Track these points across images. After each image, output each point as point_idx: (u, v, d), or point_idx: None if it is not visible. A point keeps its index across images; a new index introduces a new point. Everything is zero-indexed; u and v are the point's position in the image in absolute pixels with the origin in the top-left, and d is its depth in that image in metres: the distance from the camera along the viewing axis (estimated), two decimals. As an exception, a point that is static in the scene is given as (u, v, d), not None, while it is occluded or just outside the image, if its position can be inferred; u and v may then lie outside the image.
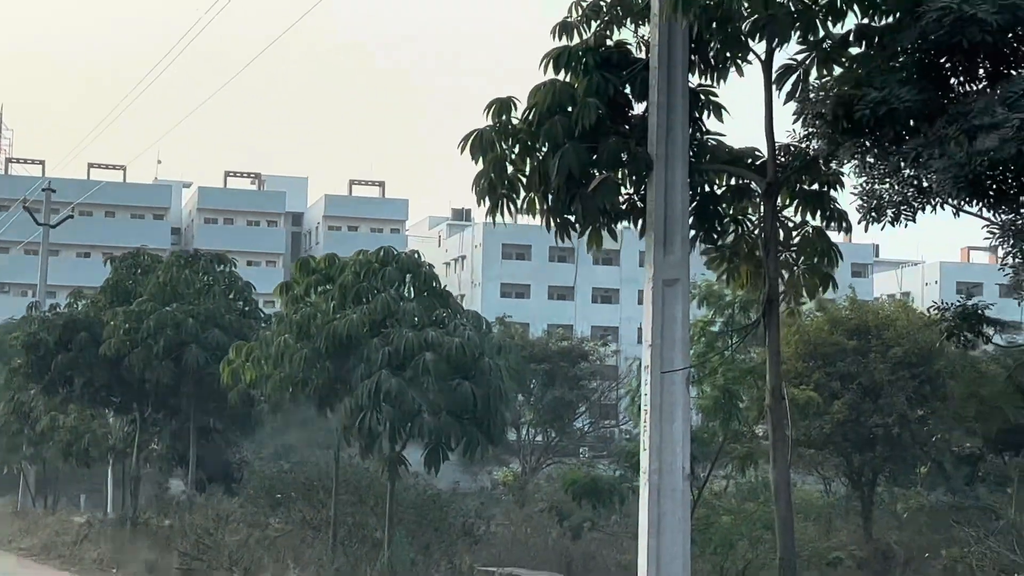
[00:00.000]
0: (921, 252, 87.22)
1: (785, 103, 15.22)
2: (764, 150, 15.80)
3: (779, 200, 16.12)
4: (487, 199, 15.49)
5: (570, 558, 28.74)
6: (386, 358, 21.26)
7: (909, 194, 14.06)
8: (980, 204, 13.53)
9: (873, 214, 14.32)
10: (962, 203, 13.56)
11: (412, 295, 23.11)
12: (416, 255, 23.76)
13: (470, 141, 15.36)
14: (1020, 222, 13.37)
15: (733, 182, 16.27)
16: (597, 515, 22.51)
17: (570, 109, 15.14)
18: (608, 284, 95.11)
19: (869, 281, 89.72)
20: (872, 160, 14.28)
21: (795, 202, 16.34)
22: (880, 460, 41.99)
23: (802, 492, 44.03)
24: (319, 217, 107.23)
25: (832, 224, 16.17)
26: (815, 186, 16.19)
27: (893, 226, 14.33)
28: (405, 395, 21.03)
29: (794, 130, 15.71)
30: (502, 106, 15.46)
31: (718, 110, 15.85)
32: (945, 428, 40.80)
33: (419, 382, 21.17)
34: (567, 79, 15.42)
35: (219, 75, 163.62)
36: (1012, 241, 13.30)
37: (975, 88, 13.84)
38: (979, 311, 14.68)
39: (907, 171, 13.91)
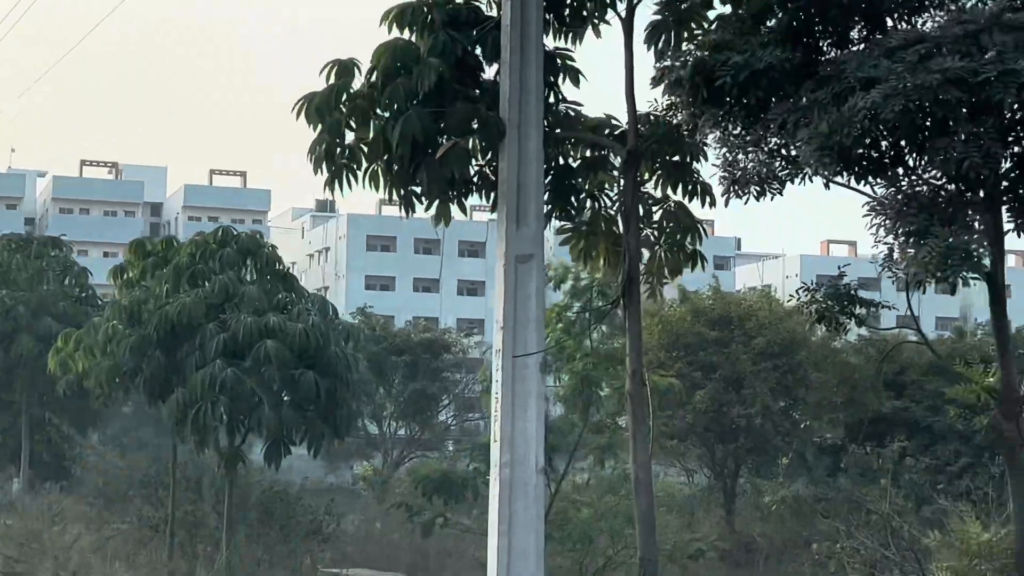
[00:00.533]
0: (782, 246, 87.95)
1: (657, 64, 14.18)
2: (625, 120, 14.73)
3: (640, 173, 15.08)
4: (324, 168, 14.17)
5: (427, 556, 27.60)
6: (222, 346, 19.77)
7: (775, 166, 13.09)
8: (851, 175, 12.62)
9: (736, 187, 13.33)
10: (832, 174, 12.63)
11: (254, 278, 21.61)
12: (258, 236, 22.27)
13: (305, 105, 14.02)
14: (900, 194, 12.44)
15: (590, 154, 15.17)
16: (450, 510, 21.35)
17: (414, 71, 13.87)
18: (474, 276, 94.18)
19: (731, 274, 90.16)
20: (736, 130, 13.25)
21: (657, 176, 15.31)
22: (743, 451, 41.71)
23: (665, 484, 43.55)
24: (178, 207, 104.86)
25: (696, 198, 15.17)
26: (677, 158, 15.18)
27: (758, 200, 13.38)
28: (243, 386, 19.59)
29: (655, 99, 14.72)
30: (341, 68, 14.16)
31: (575, 75, 14.74)
32: (808, 418, 40.62)
33: (259, 372, 19.72)
34: (412, 39, 14.16)
35: (70, 60, 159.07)
36: (889, 215, 12.33)
37: (848, 52, 12.92)
38: (851, 291, 13.75)
39: (772, 141, 12.94)
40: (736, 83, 12.62)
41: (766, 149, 13.11)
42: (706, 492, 42.09)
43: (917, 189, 12.43)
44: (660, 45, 14.27)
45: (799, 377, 40.12)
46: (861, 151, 12.42)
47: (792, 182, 13.19)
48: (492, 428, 13.78)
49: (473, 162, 14.51)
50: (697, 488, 43.04)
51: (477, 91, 14.39)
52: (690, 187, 15.19)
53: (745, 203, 13.43)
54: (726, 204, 13.87)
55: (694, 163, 15.17)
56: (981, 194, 12.76)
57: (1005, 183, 12.81)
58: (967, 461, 34.12)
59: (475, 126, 14.08)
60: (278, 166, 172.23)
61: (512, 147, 13.80)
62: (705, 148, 14.90)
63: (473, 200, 15.03)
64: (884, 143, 12.35)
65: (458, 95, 14.05)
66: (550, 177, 15.00)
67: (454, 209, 14.57)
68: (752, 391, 40.27)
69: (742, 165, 13.35)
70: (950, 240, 11.68)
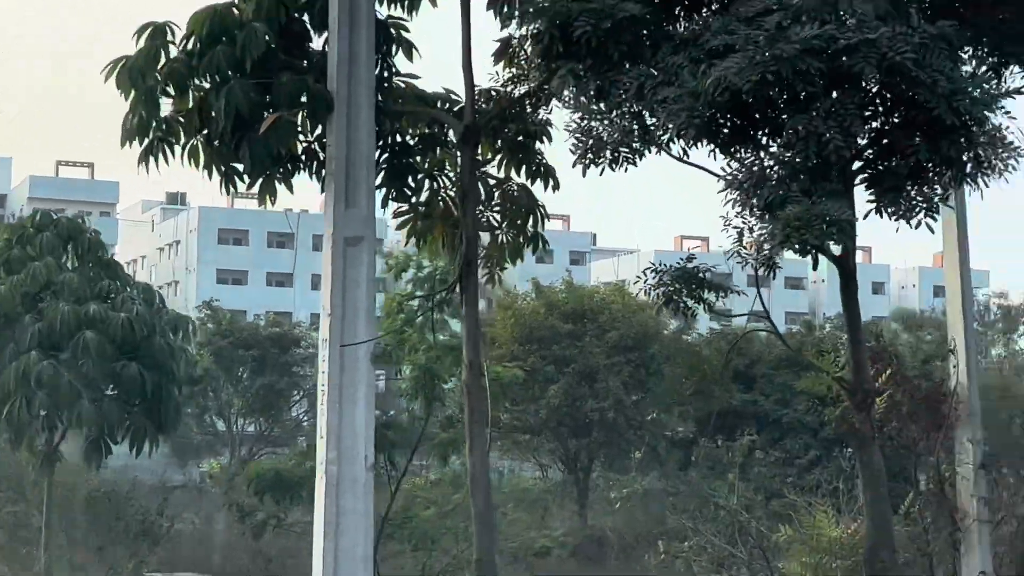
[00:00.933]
0: (637, 241, 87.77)
1: (502, 29, 13.39)
2: (464, 94, 13.87)
3: (481, 154, 14.27)
4: (137, 141, 13.05)
5: (268, 558, 26.51)
6: (38, 337, 18.45)
7: (632, 133, 12.32)
8: (713, 145, 11.93)
9: (589, 156, 12.50)
10: (691, 145, 11.91)
11: (76, 265, 20.27)
12: (80, 220, 20.93)
13: (116, 69, 12.87)
14: (756, 167, 11.78)
15: (429, 131, 14.31)
16: (284, 511, 20.31)
17: (237, 38, 12.83)
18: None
19: (587, 269, 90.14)
20: (591, 89, 12.40)
21: (499, 156, 14.49)
22: (595, 445, 41.39)
23: (519, 479, 43.06)
24: (23, 199, 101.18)
25: (539, 180, 14.39)
26: (521, 138, 14.38)
27: (612, 169, 12.58)
28: (61, 379, 18.28)
29: (497, 72, 13.89)
30: (156, 31, 13.04)
31: (410, 46, 13.88)
32: (659, 412, 40.42)
33: (77, 364, 18.43)
34: (235, 2, 13.12)
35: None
36: (745, 187, 11.66)
37: (707, 15, 12.22)
38: (700, 273, 13.08)
39: (629, 106, 12.17)
40: (596, 34, 11.79)
41: (622, 115, 12.31)
42: (559, 487, 41.68)
43: (774, 164, 11.78)
44: (505, 8, 13.40)
45: (652, 371, 39.94)
46: (723, 120, 11.76)
47: (649, 151, 12.46)
48: (319, 423, 12.85)
49: (301, 138, 13.59)
50: (551, 483, 42.64)
51: (304, 62, 13.45)
52: (534, 168, 14.42)
53: (600, 173, 12.60)
54: (584, 174, 13.03)
55: (537, 143, 14.40)
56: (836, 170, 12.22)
57: (860, 162, 12.31)
58: (816, 454, 34.11)
59: (304, 100, 13.12)
60: (128, 157, 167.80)
61: (340, 121, 12.85)
62: (549, 127, 14.16)
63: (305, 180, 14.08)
64: (745, 114, 11.66)
65: (284, 66, 13.09)
66: (385, 155, 14.15)
67: (317, 200, 13.59)
68: (605, 385, 39.97)
69: (595, 133, 12.55)
70: (808, 208, 11.05)
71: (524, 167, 14.48)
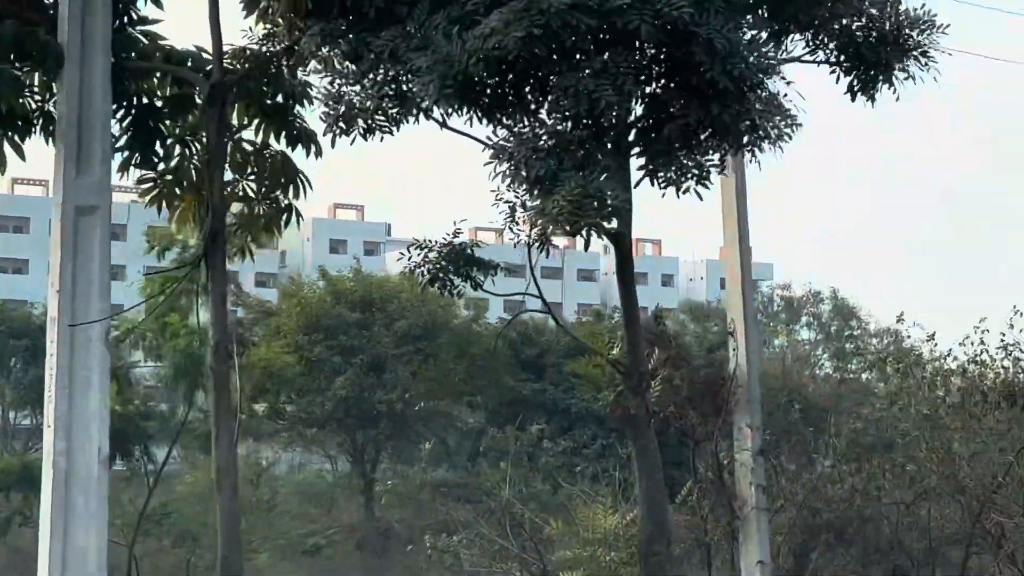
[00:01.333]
0: (434, 232, 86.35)
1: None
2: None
3: (236, 118, 13.15)
4: None
5: (16, 548, 24.75)
6: None
7: (385, 102, 11.40)
8: (473, 113, 11.06)
9: (341, 124, 11.54)
10: (450, 113, 11.04)
11: None
12: None
13: None
14: (526, 136, 10.93)
15: (178, 91, 13.11)
16: (28, 506, 18.82)
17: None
18: (116, 260, 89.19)
19: (381, 259, 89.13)
20: (342, 52, 11.44)
21: (256, 120, 13.39)
22: (383, 437, 40.57)
23: (306, 472, 41.97)
24: None
25: (300, 146, 13.34)
26: (279, 100, 13.31)
27: (366, 139, 11.70)
28: None
29: (250, 28, 12.79)
30: None
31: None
32: (449, 403, 39.84)
33: None
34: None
35: None
36: (514, 160, 10.81)
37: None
38: (467, 249, 12.24)
39: (385, 70, 11.24)
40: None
41: (375, 81, 11.36)
42: (346, 479, 40.74)
43: (544, 131, 10.97)
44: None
45: (441, 360, 39.26)
46: (486, 85, 10.90)
47: (406, 120, 11.55)
48: (46, 411, 11.58)
49: (32, 96, 12.30)
50: (339, 476, 41.69)
51: (34, 12, 12.13)
52: (293, 132, 13.35)
53: (352, 143, 11.69)
54: (332, 145, 12.09)
55: (297, 107, 13.34)
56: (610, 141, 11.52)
57: (635, 132, 11.64)
58: (603, 443, 33.81)
59: (34, 53, 11.83)
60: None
61: (72, 77, 11.57)
62: (310, 89, 13.12)
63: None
64: (511, 76, 10.83)
65: (9, 14, 11.77)
66: (130, 118, 12.93)
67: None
68: (394, 375, 39.18)
69: (348, 99, 11.58)
70: (583, 186, 10.24)
71: (284, 133, 13.43)
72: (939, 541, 15.44)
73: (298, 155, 13.53)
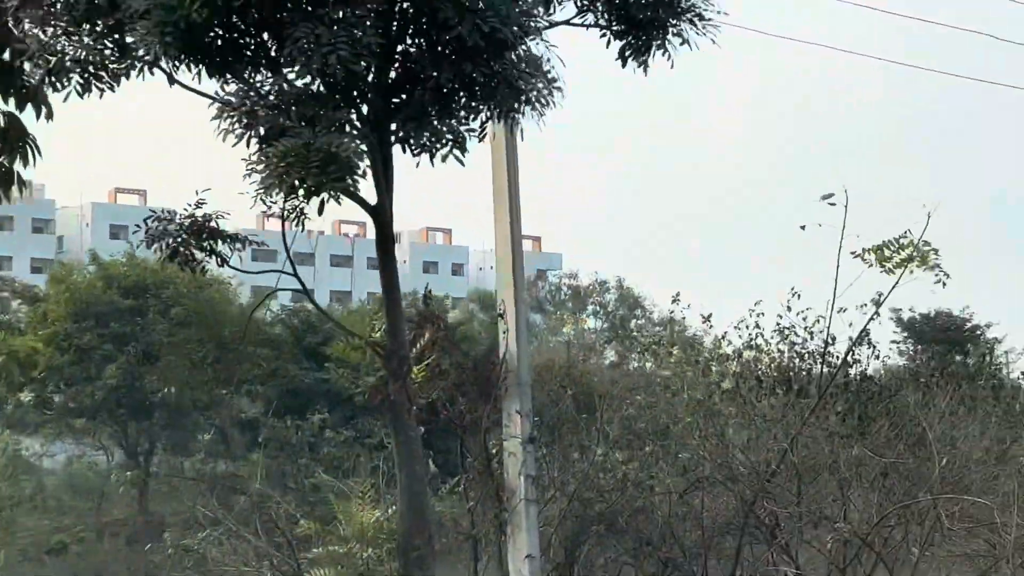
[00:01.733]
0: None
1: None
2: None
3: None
4: None
5: None
6: None
7: (105, 53, 10.34)
8: (200, 66, 10.07)
9: (53, 78, 10.45)
10: (174, 61, 10.03)
11: None
12: None
13: None
14: (255, 92, 9.97)
15: None
16: None
17: None
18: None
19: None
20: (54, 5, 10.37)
21: (-21, 78, 12.08)
22: (158, 428, 39.17)
23: (79, 464, 40.25)
24: None
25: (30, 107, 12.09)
26: (6, 57, 12.03)
27: (82, 96, 10.61)
28: None
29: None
30: None
31: None
32: (229, 392, 38.60)
33: None
34: None
35: None
36: (241, 116, 9.85)
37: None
38: (210, 221, 11.21)
39: (104, 21, 10.18)
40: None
41: (93, 30, 10.30)
42: (120, 472, 39.08)
43: (277, 85, 10.02)
44: None
45: (221, 349, 37.98)
46: (216, 35, 9.92)
47: (128, 76, 10.48)
48: None
49: None
50: (113, 468, 40.00)
51: None
52: (23, 91, 12.08)
53: (65, 99, 10.60)
54: (64, 100, 10.94)
55: (24, 64, 12.08)
56: (363, 110, 10.64)
57: (394, 100, 10.79)
58: (386, 432, 32.94)
59: None
60: None
61: None
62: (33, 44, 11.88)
63: None
64: (245, 26, 9.87)
65: None
66: None
67: None
68: (169, 364, 37.80)
69: (61, 50, 10.48)
70: (311, 141, 9.32)
71: (13, 92, 12.15)
72: (712, 531, 14.99)
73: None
